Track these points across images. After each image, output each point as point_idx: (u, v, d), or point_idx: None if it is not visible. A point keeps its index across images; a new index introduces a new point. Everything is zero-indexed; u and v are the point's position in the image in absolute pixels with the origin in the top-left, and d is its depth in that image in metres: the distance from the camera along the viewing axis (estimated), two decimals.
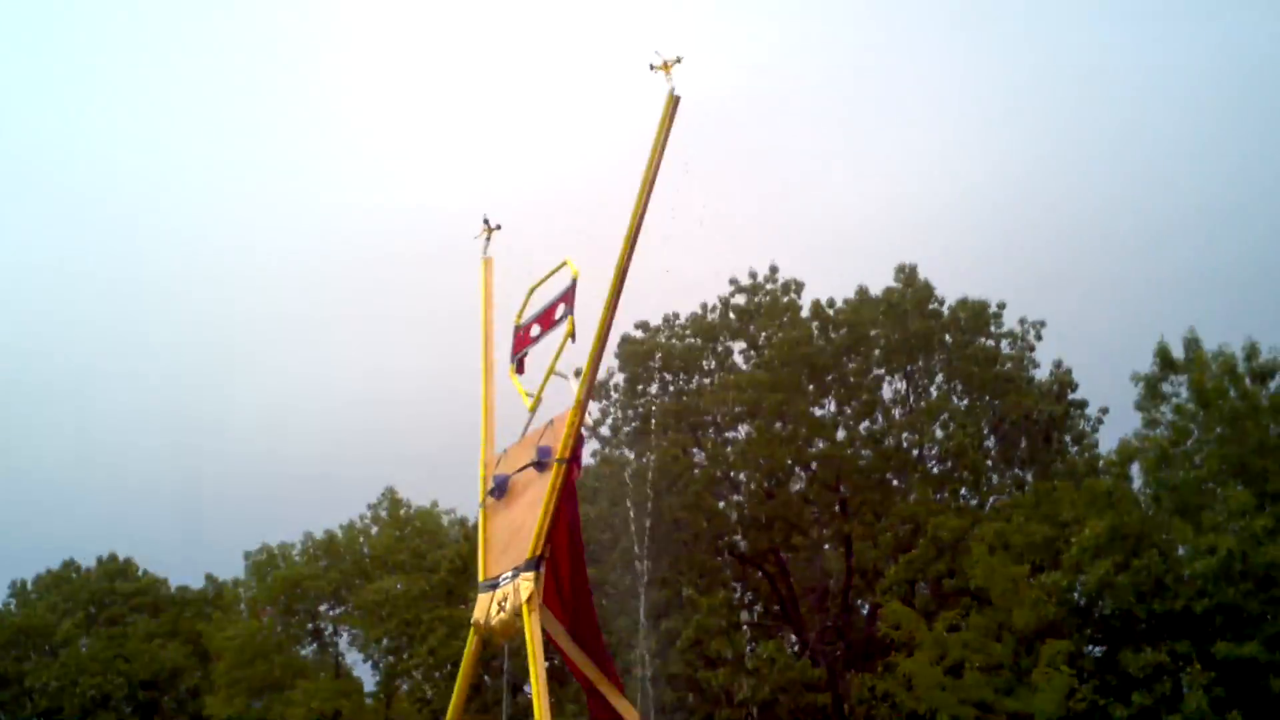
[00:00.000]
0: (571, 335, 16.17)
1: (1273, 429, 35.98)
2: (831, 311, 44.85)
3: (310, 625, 62.58)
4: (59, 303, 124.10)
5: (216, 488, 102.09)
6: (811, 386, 44.82)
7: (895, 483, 44.65)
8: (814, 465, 44.10)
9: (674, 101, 15.09)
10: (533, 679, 14.43)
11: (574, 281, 16.55)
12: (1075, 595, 35.62)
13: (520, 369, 17.71)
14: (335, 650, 62.78)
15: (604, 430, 48.01)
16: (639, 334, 46.78)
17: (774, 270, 46.43)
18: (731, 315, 46.46)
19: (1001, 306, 45.57)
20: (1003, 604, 35.64)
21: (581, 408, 15.63)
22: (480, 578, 15.91)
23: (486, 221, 19.32)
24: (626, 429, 46.56)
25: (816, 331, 44.87)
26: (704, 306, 46.88)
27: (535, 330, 17.36)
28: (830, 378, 44.39)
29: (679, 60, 15.28)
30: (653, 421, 45.12)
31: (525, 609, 14.70)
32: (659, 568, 42.36)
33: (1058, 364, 45.66)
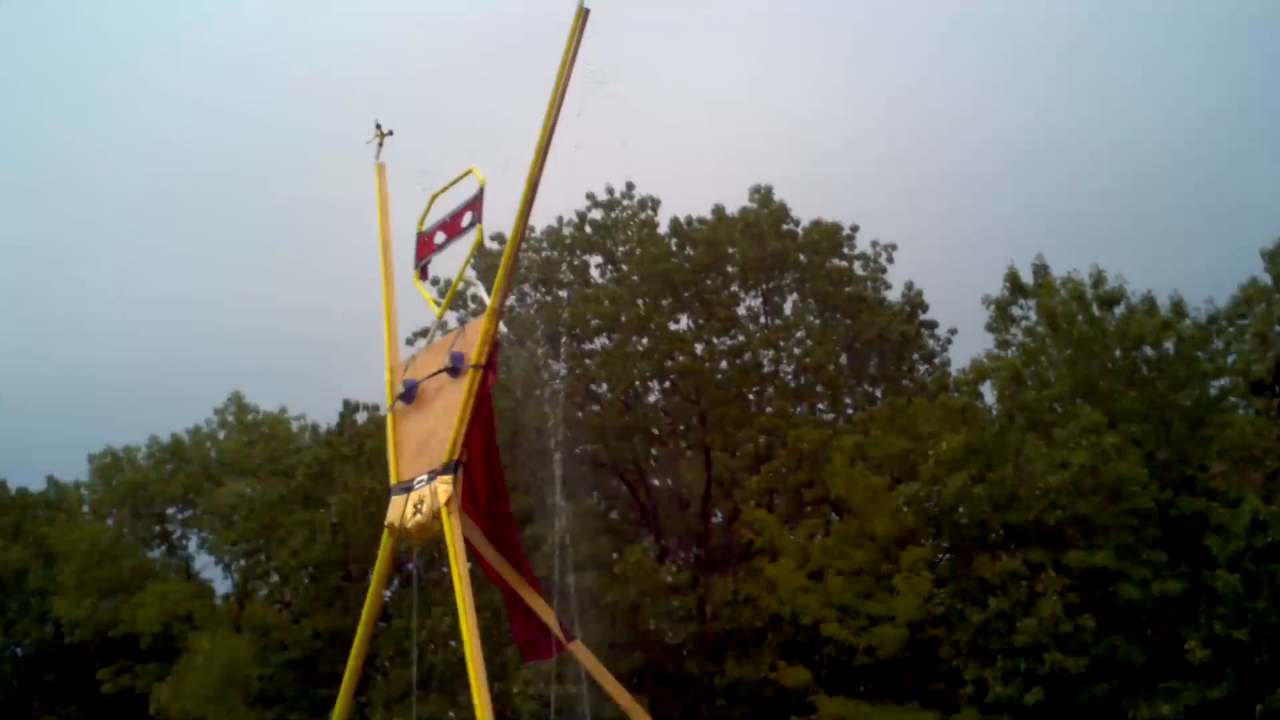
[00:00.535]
0: (479, 243, 16.11)
1: (1118, 353, 36.59)
2: (689, 229, 44.23)
3: (158, 529, 60.67)
4: None
5: (55, 390, 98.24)
6: (669, 302, 44.22)
7: (752, 397, 44.44)
8: (672, 378, 43.60)
9: (583, 14, 14.82)
10: (455, 579, 14.35)
11: (481, 189, 16.26)
12: (931, 506, 35.78)
13: (424, 275, 17.44)
14: (184, 553, 61.00)
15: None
16: (495, 245, 45.67)
17: (630, 187, 45.57)
18: (588, 229, 45.52)
19: (855, 229, 45.60)
20: (863, 513, 35.79)
21: (496, 315, 15.46)
22: (392, 481, 15.74)
23: (379, 126, 18.87)
24: None
25: (674, 248, 44.22)
26: (559, 220, 45.88)
27: (440, 238, 17.05)
28: (688, 294, 43.81)
29: None
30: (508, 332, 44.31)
31: (444, 511, 14.59)
32: (522, 475, 41.66)
33: (909, 285, 45.97)
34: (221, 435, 61.05)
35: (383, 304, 17.78)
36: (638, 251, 43.15)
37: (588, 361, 42.50)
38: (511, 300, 45.21)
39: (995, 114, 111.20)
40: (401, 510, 15.26)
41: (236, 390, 62.40)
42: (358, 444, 44.12)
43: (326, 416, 60.59)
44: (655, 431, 43.89)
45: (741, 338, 43.72)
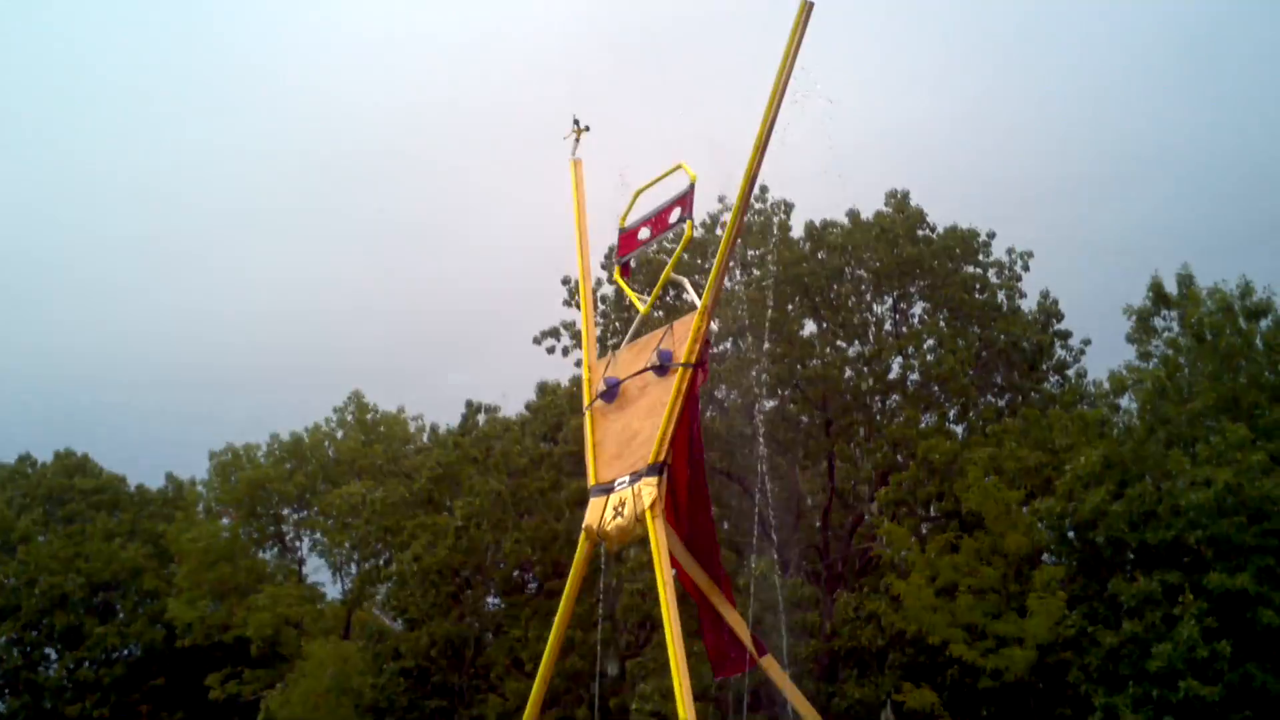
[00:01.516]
0: (689, 238, 16.40)
1: (1265, 366, 36.53)
2: (823, 233, 44.76)
3: (273, 529, 62.46)
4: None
5: (183, 389, 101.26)
6: (794, 306, 44.76)
7: (879, 405, 44.82)
8: (798, 384, 44.09)
9: (807, 8, 14.82)
10: (659, 584, 14.45)
11: (692, 185, 16.42)
12: (1066, 522, 35.94)
13: (625, 271, 17.78)
14: (297, 555, 62.80)
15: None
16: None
17: (764, 190, 46.17)
18: (719, 232, 46.19)
19: (991, 235, 45.77)
20: (995, 528, 36.00)
21: (708, 313, 15.55)
22: (590, 482, 15.85)
23: (577, 122, 19.02)
24: (613, 340, 46.51)
25: (808, 252, 44.78)
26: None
27: (645, 233, 17.30)
28: (818, 299, 44.37)
29: None
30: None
31: (649, 515, 14.65)
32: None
33: (1044, 294, 46.03)
34: (340, 434, 62.85)
35: (580, 301, 18.17)
36: (769, 256, 43.66)
37: (719, 367, 43.17)
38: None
39: (1137, 116, 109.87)
40: (600, 512, 15.31)
41: (356, 389, 64.23)
42: (485, 446, 45.18)
43: (444, 417, 62.34)
44: (779, 439, 44.31)
45: (873, 345, 44.09)
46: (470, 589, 46.03)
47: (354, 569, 60.68)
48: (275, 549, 62.86)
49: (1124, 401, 39.31)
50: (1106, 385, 40.60)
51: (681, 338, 15.71)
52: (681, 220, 16.51)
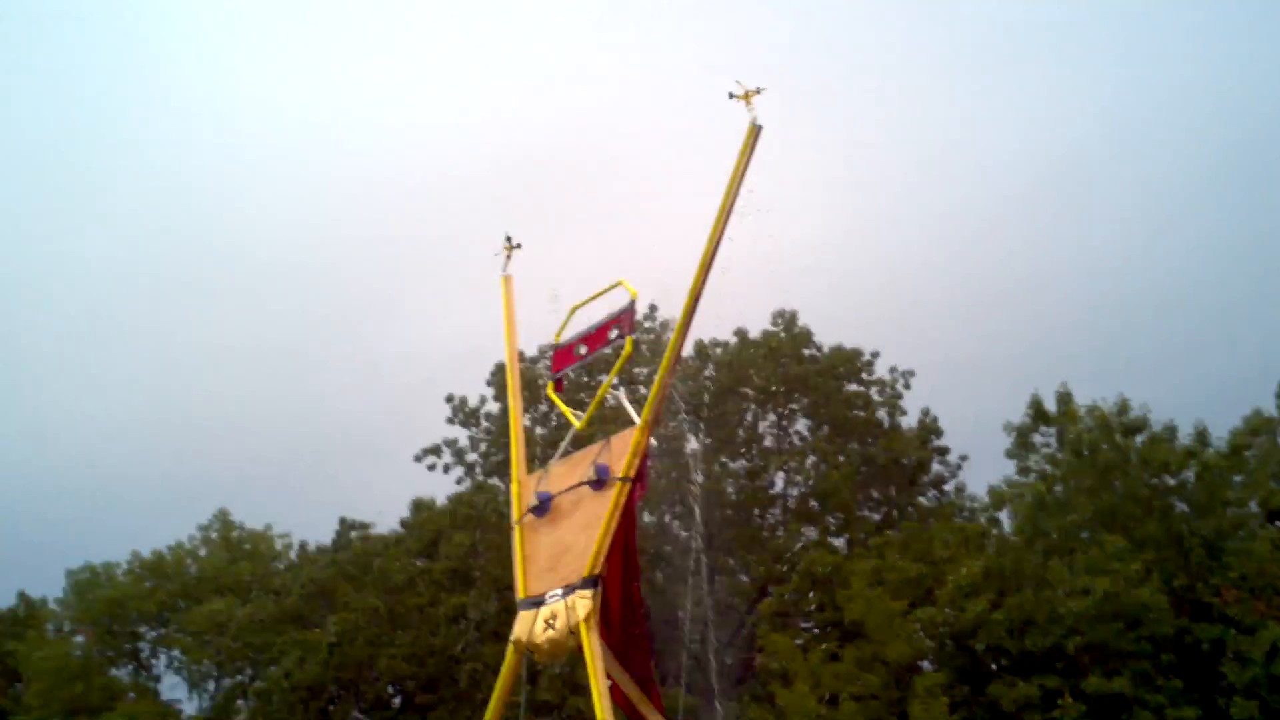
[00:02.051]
0: (628, 355, 16.78)
1: (1141, 480, 38.18)
2: (710, 351, 46.04)
3: (129, 647, 61.19)
4: None
5: (35, 503, 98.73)
6: (674, 423, 45.73)
7: (761, 519, 45.78)
8: (683, 498, 44.85)
9: (755, 131, 15.73)
10: (594, 696, 14.59)
11: (632, 302, 17.05)
12: (946, 631, 36.97)
13: (559, 387, 18.16)
14: (153, 673, 61.44)
15: (471, 457, 48.51)
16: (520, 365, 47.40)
17: (653, 309, 47.45)
18: (608, 351, 47.14)
19: (874, 355, 47.48)
20: (877, 637, 36.92)
21: (648, 429, 15.87)
22: (520, 595, 15.91)
23: (509, 239, 19.51)
24: (495, 457, 47.14)
25: (695, 370, 45.90)
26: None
27: (582, 350, 17.70)
28: (705, 416, 45.43)
29: (759, 91, 15.89)
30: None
31: (583, 628, 14.85)
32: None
33: (925, 411, 47.68)
34: (204, 552, 62.04)
35: (511, 417, 18.22)
36: (652, 374, 44.71)
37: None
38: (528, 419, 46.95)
39: (1018, 239, 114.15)
40: (530, 625, 15.36)
41: (222, 507, 63.60)
42: (362, 563, 45.22)
43: (313, 535, 61.87)
44: (659, 551, 44.94)
45: (758, 461, 45.17)
46: (336, 705, 45.66)
47: (213, 686, 59.66)
48: (130, 667, 61.44)
49: (1003, 515, 40.80)
50: (986, 499, 42.07)
51: (618, 452, 15.98)
52: (621, 337, 16.93)
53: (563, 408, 18.34)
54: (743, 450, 45.81)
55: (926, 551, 40.22)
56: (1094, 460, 38.32)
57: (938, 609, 36.91)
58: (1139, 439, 39.00)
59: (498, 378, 47.34)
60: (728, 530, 44.44)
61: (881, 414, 46.98)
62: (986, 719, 35.14)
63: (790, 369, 45.90)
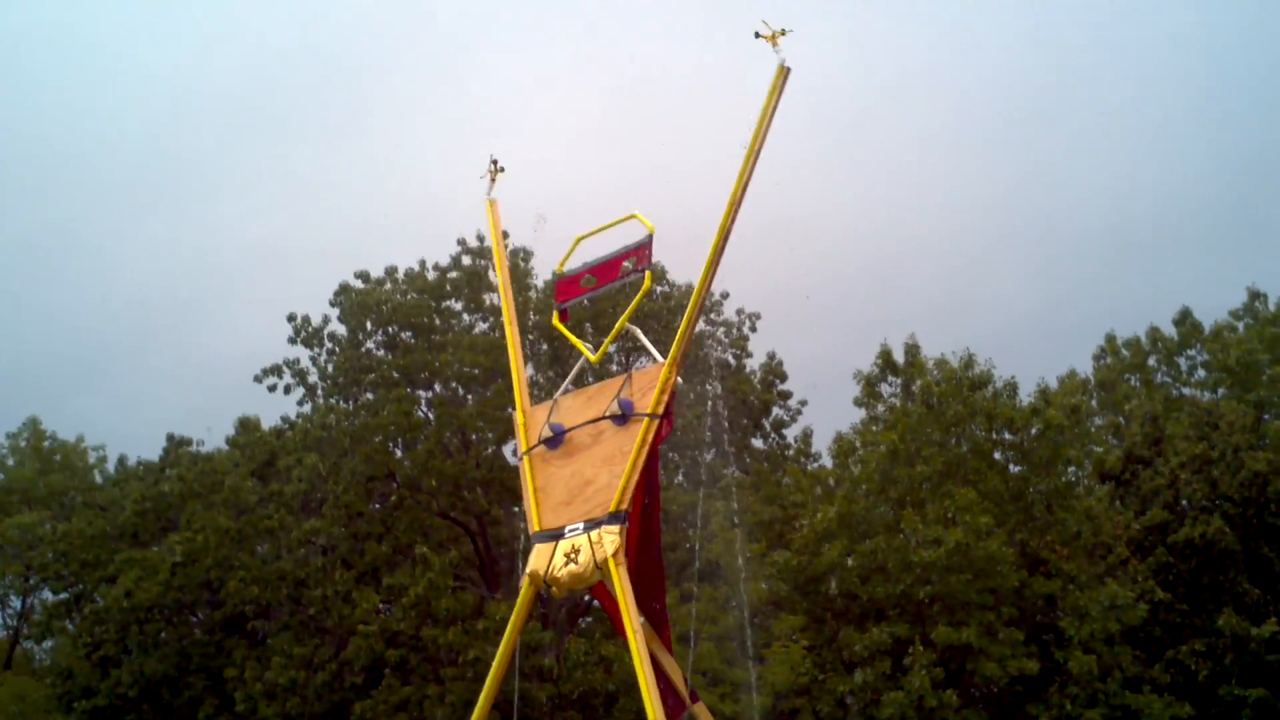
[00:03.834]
0: (647, 290, 16.76)
1: (987, 436, 40.88)
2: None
3: None
4: None
5: None
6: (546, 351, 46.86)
7: None
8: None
9: (784, 73, 15.91)
10: (629, 633, 14.69)
11: (650, 237, 16.78)
12: (800, 575, 39.22)
13: (564, 318, 17.89)
14: None
15: (312, 378, 48.81)
16: (359, 284, 47.88)
17: (505, 235, 48.12)
18: (452, 274, 47.98)
19: (724, 295, 49.12)
20: (733, 579, 39.01)
21: (676, 365, 15.94)
22: (533, 528, 15.84)
23: (494, 162, 19.13)
24: (340, 379, 47.55)
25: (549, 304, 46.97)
26: (421, 264, 48.34)
27: (590, 280, 17.47)
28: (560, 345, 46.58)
29: (784, 32, 16.04)
30: (373, 375, 46.46)
31: (612, 563, 14.88)
32: (386, 522, 43.89)
33: (770, 355, 49.74)
34: (12, 462, 61.21)
35: (509, 345, 18.05)
36: (520, 300, 45.67)
37: (463, 411, 44.89)
38: (372, 343, 47.59)
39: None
40: (548, 559, 15.29)
41: (34, 415, 62.68)
42: (209, 481, 45.44)
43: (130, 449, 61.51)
44: (505, 485, 46.16)
45: None
46: (174, 626, 46.09)
47: (19, 603, 59.32)
48: None
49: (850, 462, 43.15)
50: (834, 446, 44.39)
51: (640, 388, 16.07)
52: (638, 271, 16.82)
53: (572, 338, 18.48)
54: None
55: (776, 495, 42.46)
56: (943, 413, 40.77)
57: (793, 553, 39.08)
58: (980, 396, 41.65)
59: (345, 299, 47.68)
60: None
61: (728, 355, 48.89)
62: (838, 664, 37.53)
63: (643, 304, 47.21)
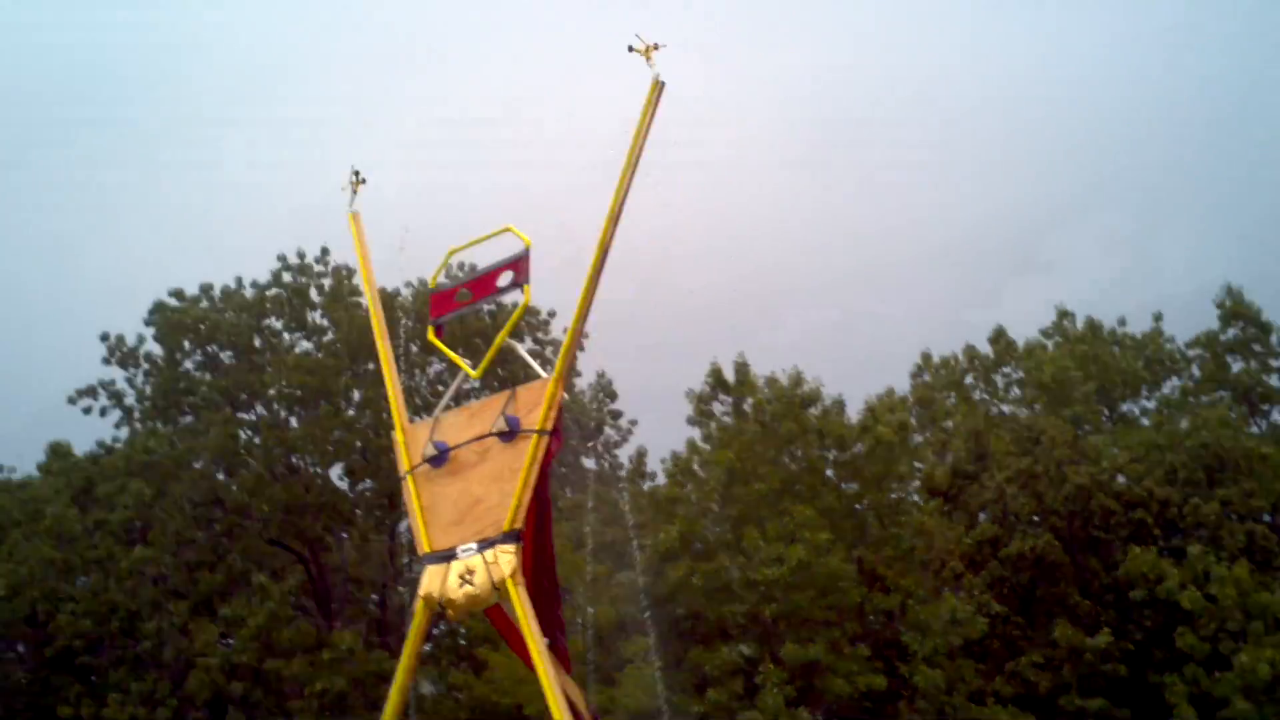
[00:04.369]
0: (527, 304, 16.83)
1: (818, 453, 41.94)
2: (397, 300, 46.80)
3: None
4: None
5: None
6: (360, 370, 46.51)
7: None
8: (365, 454, 45.71)
9: (659, 87, 16.21)
10: (533, 652, 14.73)
11: (526, 250, 16.70)
12: (646, 596, 39.66)
13: (439, 333, 17.70)
14: None
15: (129, 400, 47.62)
16: (174, 301, 46.92)
17: (325, 252, 47.81)
18: (272, 291, 47.28)
19: (552, 314, 49.43)
20: (581, 601, 39.30)
21: (562, 380, 16.03)
22: (424, 549, 15.66)
23: (356, 174, 18.86)
24: (159, 401, 46.53)
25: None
26: (239, 281, 47.64)
27: (465, 295, 17.49)
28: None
29: (657, 46, 16.30)
30: (193, 397, 45.61)
31: (510, 584, 14.85)
32: (222, 551, 43.15)
33: (600, 374, 50.25)
34: None
35: (383, 361, 17.82)
36: (346, 319, 45.33)
37: (290, 433, 44.33)
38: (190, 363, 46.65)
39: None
40: (441, 580, 15.20)
41: None
42: (30, 510, 43.86)
43: None
44: (342, 509, 45.81)
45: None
46: None
47: None
48: None
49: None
50: (668, 464, 45.00)
51: (525, 404, 15.98)
52: (515, 286, 16.78)
53: (451, 355, 18.25)
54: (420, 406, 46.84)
55: (616, 515, 42.89)
56: (776, 431, 41.65)
57: (638, 573, 39.53)
58: (811, 413, 42.70)
59: (160, 317, 46.69)
60: None
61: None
62: (691, 685, 38.11)
63: (471, 323, 47.22)
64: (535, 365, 17.08)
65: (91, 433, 48.37)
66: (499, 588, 14.95)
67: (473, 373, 17.68)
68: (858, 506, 41.71)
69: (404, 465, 16.52)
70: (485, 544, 15.15)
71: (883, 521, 41.33)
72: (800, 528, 38.42)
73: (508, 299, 19.72)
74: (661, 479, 47.36)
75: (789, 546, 37.79)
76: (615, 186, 16.25)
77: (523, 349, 18.62)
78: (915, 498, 44.35)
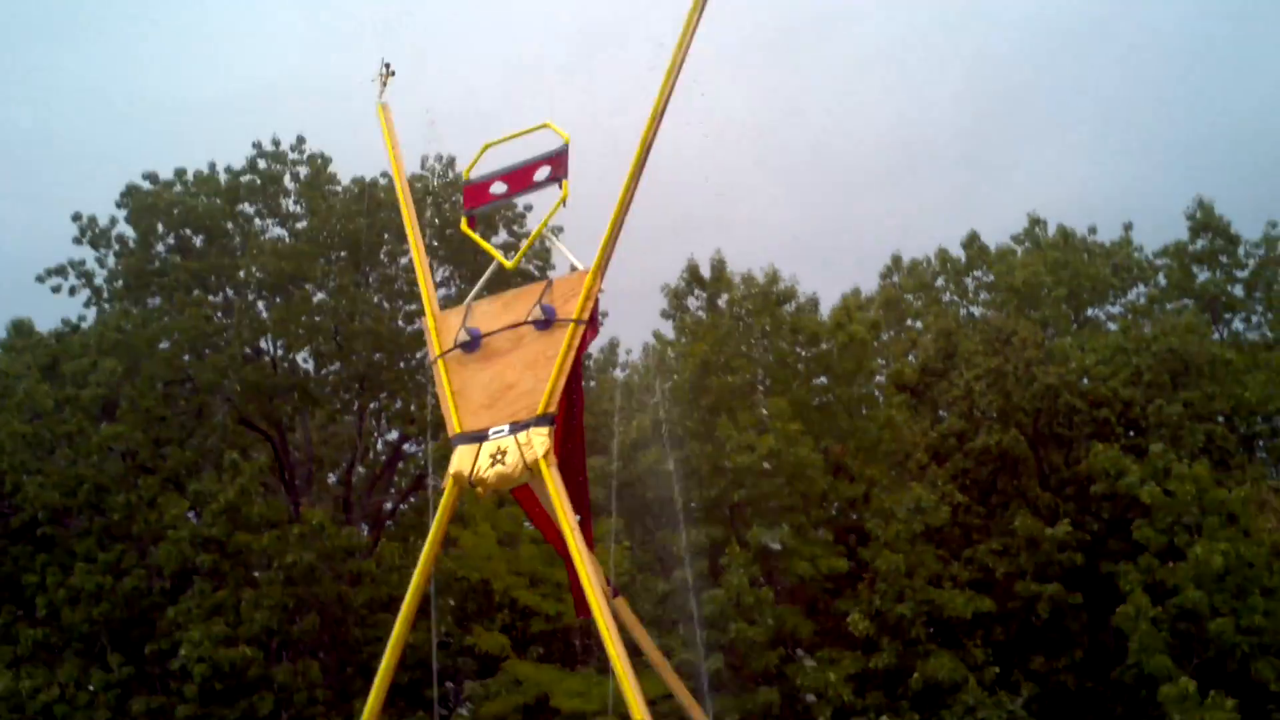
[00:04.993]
0: (565, 199, 17.11)
1: (792, 349, 42.87)
2: (375, 190, 47.20)
3: None
4: None
5: None
6: (338, 260, 46.97)
7: (419, 361, 47.63)
8: (337, 339, 46.23)
9: None
10: (566, 533, 15.40)
11: (565, 146, 17.25)
12: (618, 482, 40.62)
13: (472, 224, 18.46)
14: None
15: (99, 280, 47.94)
16: (148, 185, 47.17)
17: (301, 140, 48.11)
18: (247, 178, 47.54)
19: (528, 209, 49.77)
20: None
21: (600, 271, 16.62)
22: (454, 430, 16.20)
23: (386, 66, 19.27)
24: (130, 282, 46.90)
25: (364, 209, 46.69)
26: (211, 166, 47.95)
27: (499, 188, 18.00)
28: (363, 255, 46.79)
29: None
30: (164, 279, 46.02)
31: (543, 464, 15.41)
32: (191, 429, 43.78)
33: (573, 269, 50.55)
34: None
35: (411, 248, 18.50)
36: (324, 207, 45.75)
37: (264, 318, 44.92)
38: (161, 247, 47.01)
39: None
40: (472, 460, 15.74)
41: None
42: (3, 384, 44.24)
43: None
44: (312, 391, 46.35)
45: (419, 306, 46.88)
46: None
47: None
48: None
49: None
50: (644, 355, 45.92)
51: (562, 294, 16.67)
52: (554, 180, 17.23)
53: (483, 244, 18.96)
54: (402, 292, 47.40)
55: (591, 403, 43.71)
56: (753, 326, 42.62)
57: (609, 459, 40.45)
58: (787, 309, 43.57)
59: (134, 201, 46.94)
60: (389, 371, 46.43)
61: (531, 268, 49.66)
62: (658, 564, 39.16)
63: (445, 211, 47.69)
64: (573, 259, 17.55)
65: (57, 311, 48.79)
66: (531, 468, 15.55)
67: (507, 263, 18.31)
68: (828, 398, 42.59)
69: (434, 350, 17.23)
70: (518, 426, 15.77)
71: (851, 414, 42.36)
72: (773, 418, 39.42)
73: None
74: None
75: (760, 436, 38.78)
76: (660, 85, 16.66)
77: (561, 243, 18.77)
78: (881, 396, 45.32)
